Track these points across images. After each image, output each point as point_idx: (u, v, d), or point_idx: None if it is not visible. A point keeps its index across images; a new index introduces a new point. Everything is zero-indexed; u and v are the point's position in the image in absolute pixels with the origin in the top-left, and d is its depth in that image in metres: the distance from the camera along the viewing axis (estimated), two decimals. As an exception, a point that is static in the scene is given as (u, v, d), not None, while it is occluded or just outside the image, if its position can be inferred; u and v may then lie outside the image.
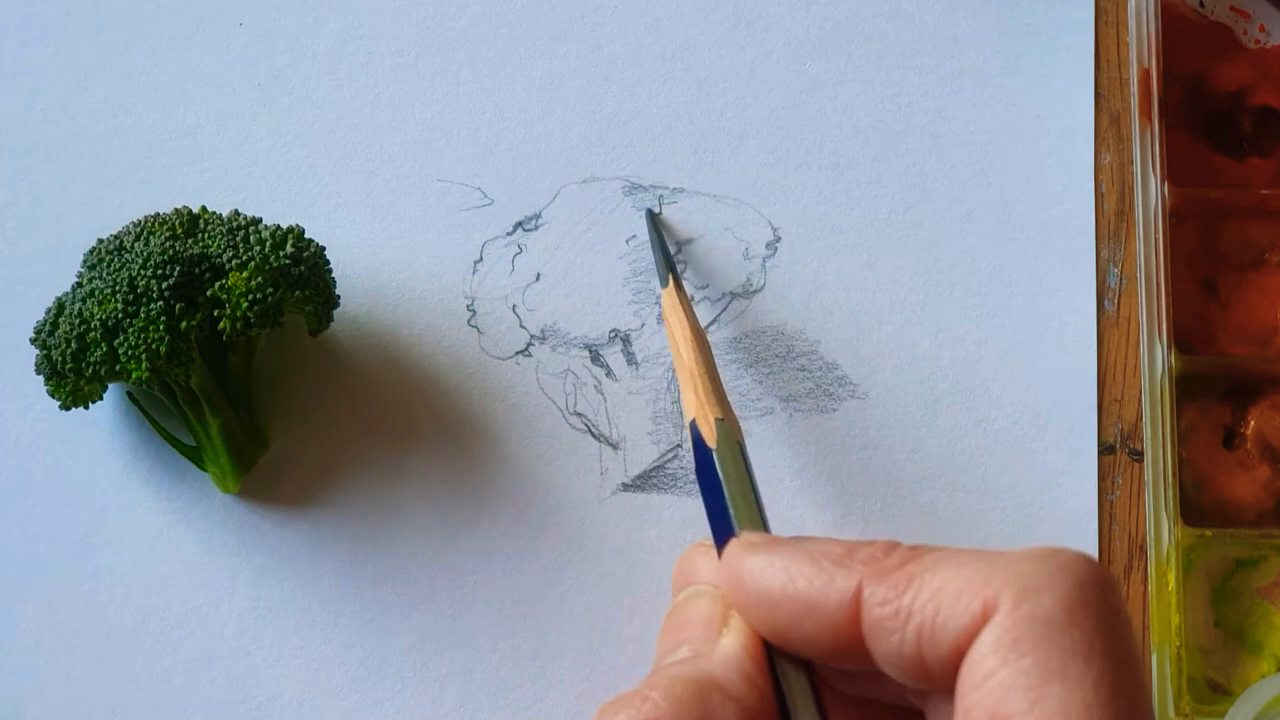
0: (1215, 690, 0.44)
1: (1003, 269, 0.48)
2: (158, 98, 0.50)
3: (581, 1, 0.51)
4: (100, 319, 0.42)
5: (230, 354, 0.44)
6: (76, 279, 0.44)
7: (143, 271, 0.42)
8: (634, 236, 0.48)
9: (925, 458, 0.46)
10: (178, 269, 0.42)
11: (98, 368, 0.42)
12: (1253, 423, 0.46)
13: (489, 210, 0.49)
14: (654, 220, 0.48)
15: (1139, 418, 0.46)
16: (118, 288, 0.42)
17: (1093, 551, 0.45)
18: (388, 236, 0.48)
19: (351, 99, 0.50)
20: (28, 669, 0.44)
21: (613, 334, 0.47)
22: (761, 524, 0.33)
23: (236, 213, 0.45)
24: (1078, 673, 0.25)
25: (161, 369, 0.42)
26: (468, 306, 0.48)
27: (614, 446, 0.46)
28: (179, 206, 0.45)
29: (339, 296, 0.45)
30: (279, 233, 0.44)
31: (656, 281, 0.47)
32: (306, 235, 0.44)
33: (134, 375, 0.42)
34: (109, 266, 0.43)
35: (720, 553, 0.32)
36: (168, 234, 0.43)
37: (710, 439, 0.36)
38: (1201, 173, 0.49)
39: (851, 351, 0.47)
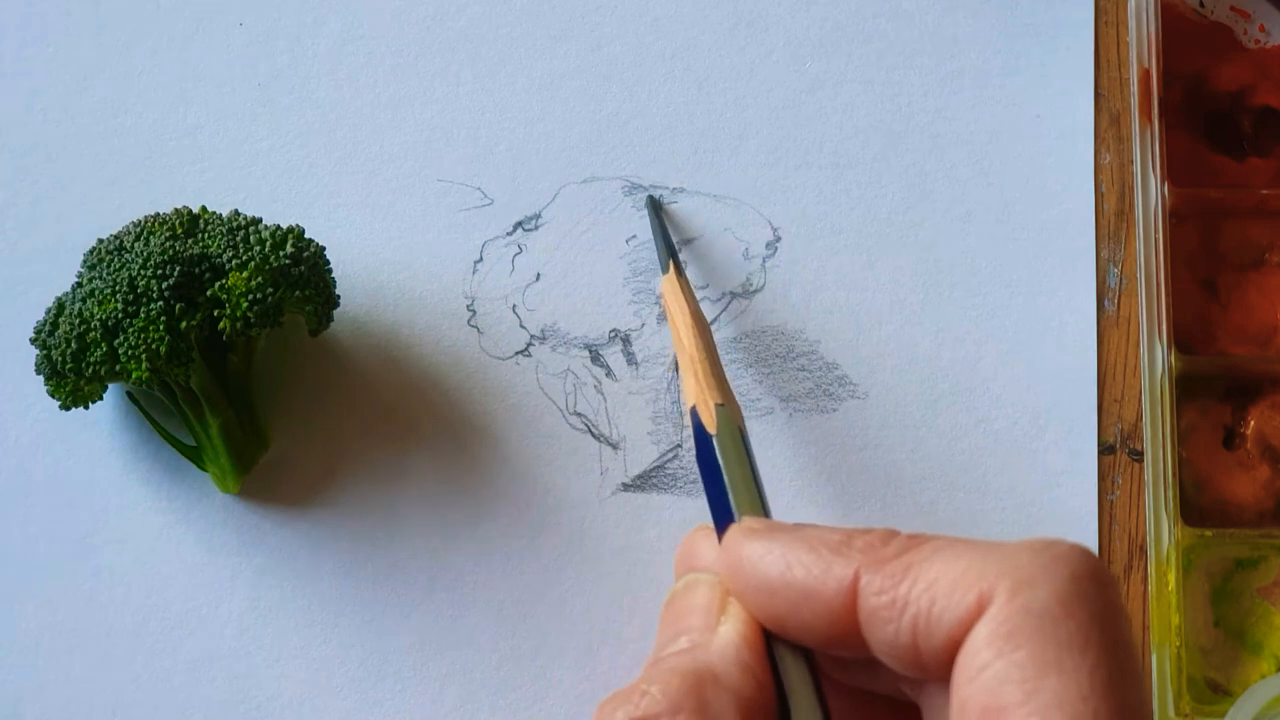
0: (1215, 690, 0.44)
1: (1003, 269, 0.48)
2: (158, 98, 0.50)
3: (581, 1, 0.51)
4: (100, 319, 0.42)
5: (230, 354, 0.44)
6: (76, 279, 0.44)
7: (143, 271, 0.42)
8: (634, 236, 0.48)
9: (925, 458, 0.46)
10: (178, 269, 0.42)
11: (98, 368, 0.42)
12: (1253, 423, 0.46)
13: (489, 210, 0.49)
14: (656, 207, 0.48)
15: (1139, 418, 0.46)
16: (118, 288, 0.42)
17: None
18: (388, 236, 0.48)
19: (351, 99, 0.50)
20: (28, 669, 0.44)
21: (613, 334, 0.47)
22: (762, 509, 0.33)
23: (236, 213, 0.45)
24: (1073, 665, 0.25)
25: (161, 369, 0.42)
26: (468, 306, 0.48)
27: (614, 446, 0.46)
28: (179, 206, 0.45)
29: (339, 296, 0.45)
30: (279, 233, 0.44)
31: (656, 282, 0.47)
32: (306, 235, 0.44)
33: (134, 375, 0.42)
34: (109, 266, 0.43)
35: (720, 539, 0.32)
36: (168, 234, 0.44)
37: (710, 425, 0.36)
38: (1201, 173, 0.49)
39: (851, 351, 0.47)
